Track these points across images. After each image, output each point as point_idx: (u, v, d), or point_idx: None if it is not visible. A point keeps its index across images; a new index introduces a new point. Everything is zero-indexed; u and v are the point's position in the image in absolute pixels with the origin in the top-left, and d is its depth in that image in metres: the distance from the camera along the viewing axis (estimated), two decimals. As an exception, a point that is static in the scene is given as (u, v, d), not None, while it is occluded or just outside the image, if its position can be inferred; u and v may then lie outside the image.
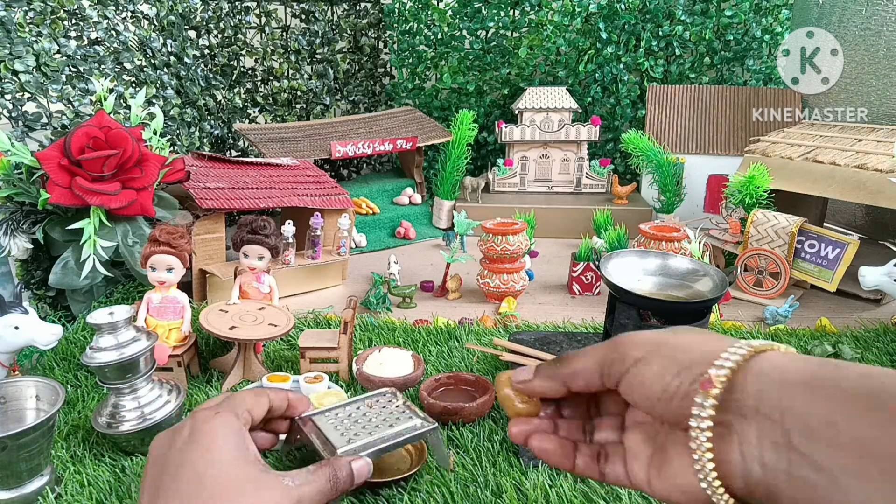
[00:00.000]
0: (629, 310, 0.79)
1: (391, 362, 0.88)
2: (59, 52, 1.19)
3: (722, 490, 0.34)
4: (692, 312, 0.78)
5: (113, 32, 1.29)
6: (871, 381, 0.31)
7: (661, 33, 1.83)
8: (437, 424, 0.63)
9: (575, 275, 1.27)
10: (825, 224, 1.41)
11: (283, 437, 0.55)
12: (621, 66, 1.87)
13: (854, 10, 1.51)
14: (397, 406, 0.64)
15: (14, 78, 1.12)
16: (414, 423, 0.62)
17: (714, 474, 0.34)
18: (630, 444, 0.41)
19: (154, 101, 1.39)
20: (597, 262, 1.24)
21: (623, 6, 1.80)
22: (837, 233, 1.21)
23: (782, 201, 1.29)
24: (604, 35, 1.82)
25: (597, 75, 1.90)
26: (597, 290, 1.27)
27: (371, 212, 1.71)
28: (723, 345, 0.36)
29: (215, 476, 0.44)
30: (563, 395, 0.43)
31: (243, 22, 1.84)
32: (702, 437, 0.34)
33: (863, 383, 0.31)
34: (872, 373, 0.32)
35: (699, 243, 1.19)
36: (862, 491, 0.29)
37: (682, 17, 1.81)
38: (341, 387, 0.86)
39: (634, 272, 0.84)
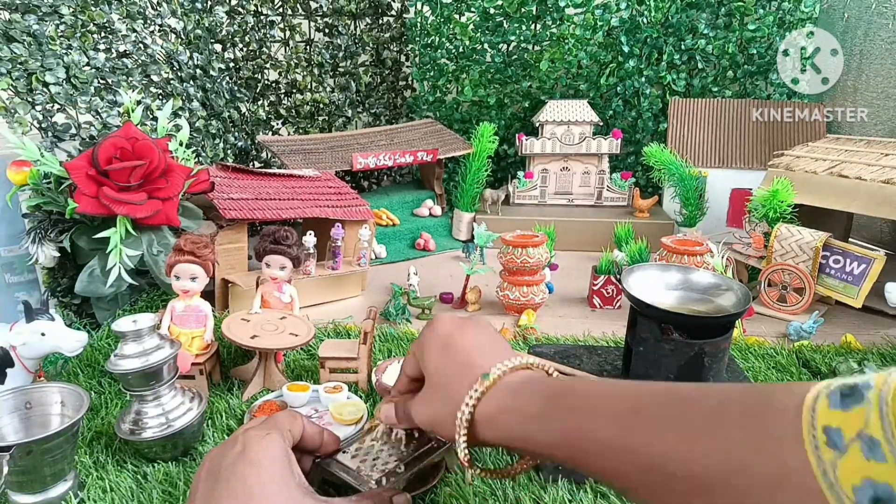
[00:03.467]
0: (651, 324, 0.78)
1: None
2: (88, 64, 1.21)
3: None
4: (715, 327, 0.77)
5: (141, 45, 1.32)
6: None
7: (683, 47, 1.83)
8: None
9: (595, 288, 1.26)
10: (850, 239, 1.39)
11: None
12: (643, 79, 1.86)
13: (880, 23, 1.50)
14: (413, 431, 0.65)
15: (45, 89, 1.15)
16: (432, 444, 0.63)
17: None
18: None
19: (180, 112, 1.41)
20: (618, 276, 1.24)
21: (645, 20, 1.79)
22: (863, 248, 1.19)
23: (806, 216, 1.27)
24: (626, 48, 1.82)
25: (618, 88, 1.89)
26: (617, 304, 1.26)
27: (391, 223, 1.72)
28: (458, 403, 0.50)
29: (263, 493, 0.46)
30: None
31: (268, 36, 1.87)
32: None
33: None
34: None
35: (722, 257, 1.18)
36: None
37: (705, 31, 1.80)
38: (360, 397, 0.86)
39: (656, 286, 0.83)
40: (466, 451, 0.50)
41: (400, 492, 0.56)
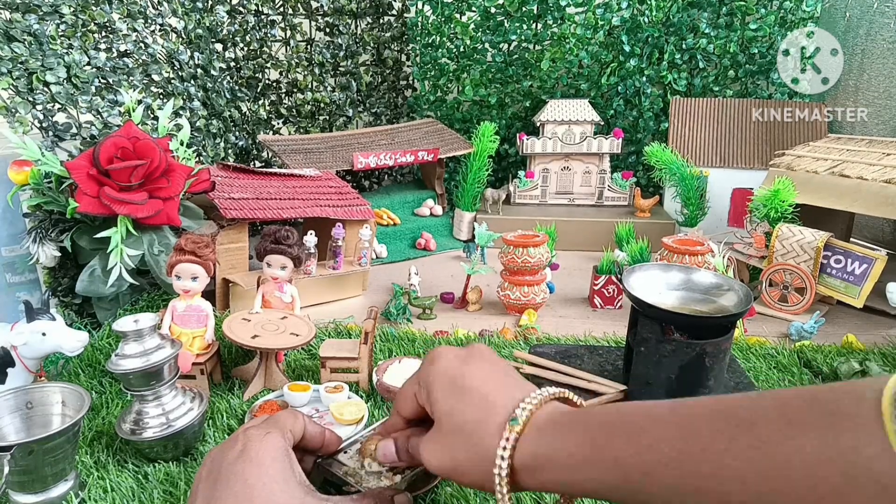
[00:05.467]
0: (652, 324, 0.78)
1: (411, 373, 0.88)
2: (89, 63, 1.21)
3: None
4: (716, 327, 0.77)
5: (142, 45, 1.32)
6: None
7: (684, 46, 1.82)
8: None
9: (596, 288, 1.26)
10: (852, 239, 1.39)
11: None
12: (644, 78, 1.86)
13: (882, 23, 1.50)
14: None
15: (45, 89, 1.15)
16: None
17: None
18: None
19: (181, 112, 1.41)
20: (619, 276, 1.24)
21: (646, 19, 1.79)
22: (864, 248, 1.19)
23: (808, 216, 1.27)
24: (627, 48, 1.81)
25: (619, 88, 1.89)
26: (618, 304, 1.26)
27: (392, 223, 1.72)
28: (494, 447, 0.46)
29: (264, 492, 0.46)
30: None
31: (269, 35, 1.87)
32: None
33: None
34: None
35: (723, 257, 1.18)
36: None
37: (706, 31, 1.80)
38: (361, 397, 0.86)
39: (657, 286, 0.83)
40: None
41: (401, 491, 0.56)
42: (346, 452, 0.62)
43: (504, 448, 0.45)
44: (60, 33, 1.17)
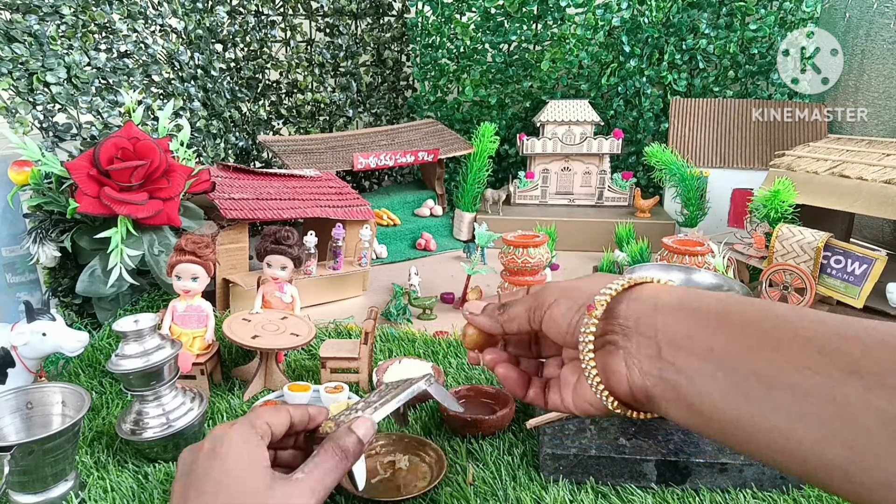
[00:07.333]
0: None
1: (411, 373, 0.88)
2: (89, 64, 1.21)
3: (607, 394, 0.44)
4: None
5: (142, 45, 1.32)
6: (722, 304, 0.40)
7: (684, 47, 1.83)
8: (430, 374, 0.65)
9: (596, 288, 1.26)
10: (852, 239, 1.39)
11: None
12: (644, 79, 1.86)
13: (882, 23, 1.50)
14: (402, 384, 0.65)
15: (46, 90, 1.15)
16: (410, 381, 0.63)
17: (598, 380, 0.44)
18: (564, 375, 0.51)
19: (181, 112, 1.41)
20: (618, 276, 1.24)
21: (646, 20, 1.79)
22: (864, 248, 1.19)
23: (808, 216, 1.27)
24: (627, 48, 1.81)
25: (619, 88, 1.89)
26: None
27: (392, 223, 1.72)
28: (611, 281, 0.45)
29: (232, 485, 0.46)
30: (503, 334, 0.54)
31: (269, 36, 1.87)
32: (586, 350, 0.44)
33: (716, 306, 0.40)
34: (725, 298, 0.41)
35: (723, 258, 1.18)
36: (709, 386, 0.37)
37: (706, 31, 1.80)
38: (361, 397, 0.86)
39: (657, 286, 0.83)
40: (592, 332, 0.44)
41: (358, 418, 0.55)
42: (329, 420, 0.61)
43: (609, 288, 0.44)
44: (61, 34, 1.18)
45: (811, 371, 0.33)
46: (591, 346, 0.44)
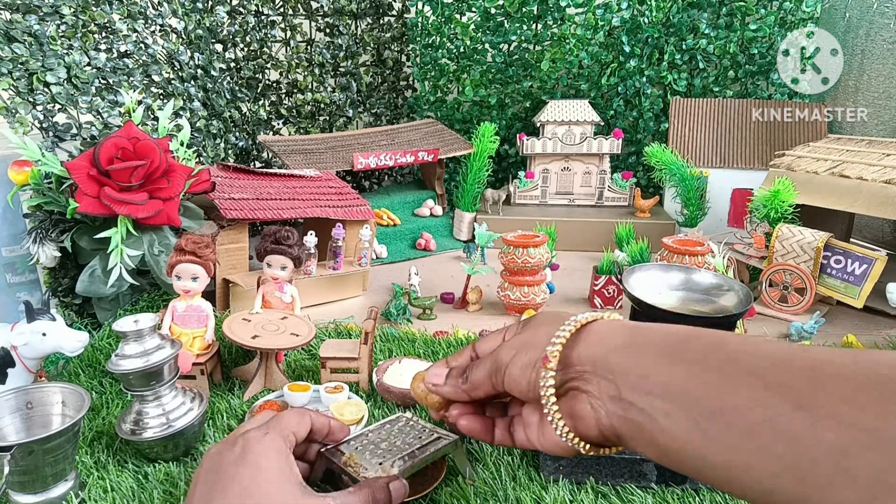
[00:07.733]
0: (652, 324, 0.78)
1: (411, 373, 0.88)
2: (89, 64, 1.21)
3: (577, 440, 0.44)
4: (716, 328, 0.77)
5: (142, 45, 1.32)
6: (673, 338, 0.41)
7: (684, 47, 1.82)
8: (458, 437, 0.64)
9: (596, 288, 1.26)
10: (852, 239, 1.39)
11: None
12: (644, 79, 1.86)
13: (882, 23, 1.50)
14: (418, 426, 0.67)
15: (46, 90, 1.15)
16: (438, 438, 0.63)
17: (566, 429, 0.44)
18: (525, 415, 0.50)
19: (181, 112, 1.41)
20: (619, 276, 1.24)
21: (646, 20, 1.79)
22: (864, 248, 1.19)
23: (808, 216, 1.27)
24: (627, 48, 1.81)
25: (619, 88, 1.89)
26: (619, 304, 1.26)
27: (392, 223, 1.72)
28: (561, 324, 0.46)
29: (261, 494, 0.46)
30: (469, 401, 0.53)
31: (269, 36, 1.87)
32: (550, 403, 0.44)
33: (666, 341, 0.41)
34: (674, 332, 0.42)
35: (723, 258, 1.18)
36: (670, 424, 0.37)
37: (706, 31, 1.80)
38: (361, 397, 0.86)
39: (657, 286, 0.83)
40: (552, 385, 0.44)
41: (394, 477, 0.56)
42: (349, 443, 0.62)
43: (564, 328, 0.46)
44: (61, 34, 1.18)
45: (762, 408, 0.33)
46: (553, 399, 0.44)
